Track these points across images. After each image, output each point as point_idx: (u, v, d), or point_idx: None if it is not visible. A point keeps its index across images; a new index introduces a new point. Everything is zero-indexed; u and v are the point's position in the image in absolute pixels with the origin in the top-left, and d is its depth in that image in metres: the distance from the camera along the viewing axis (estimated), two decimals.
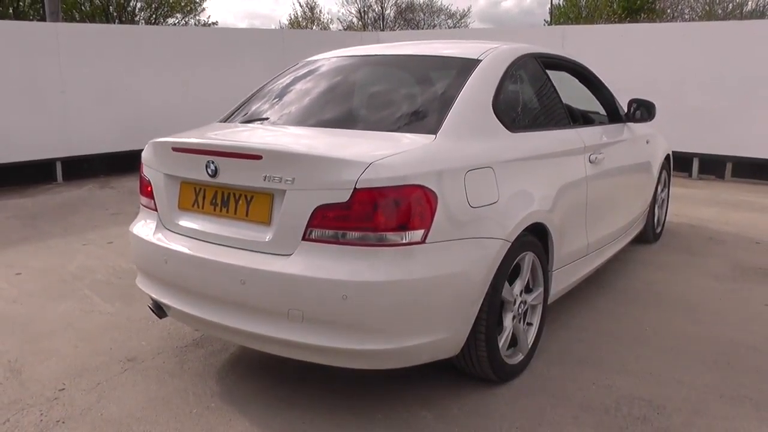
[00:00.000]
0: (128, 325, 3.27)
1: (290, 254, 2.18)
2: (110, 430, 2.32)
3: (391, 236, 2.08)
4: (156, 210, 2.64)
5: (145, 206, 2.75)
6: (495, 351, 2.47)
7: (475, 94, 2.61)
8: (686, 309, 3.49)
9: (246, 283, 2.21)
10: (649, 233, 4.63)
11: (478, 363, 2.47)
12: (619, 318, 3.36)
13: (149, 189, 2.69)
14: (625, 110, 3.93)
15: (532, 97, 3.16)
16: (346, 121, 2.75)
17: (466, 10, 41.62)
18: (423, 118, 2.57)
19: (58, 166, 7.64)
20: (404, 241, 2.10)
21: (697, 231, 5.20)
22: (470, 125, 2.52)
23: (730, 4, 31.40)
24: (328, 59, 3.28)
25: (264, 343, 2.31)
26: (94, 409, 2.46)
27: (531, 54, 3.12)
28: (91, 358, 2.90)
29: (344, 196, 2.07)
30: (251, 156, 2.24)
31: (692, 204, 6.21)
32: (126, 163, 7.96)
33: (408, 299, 2.13)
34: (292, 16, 38.93)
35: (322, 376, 2.64)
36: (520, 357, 2.67)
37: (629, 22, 27.39)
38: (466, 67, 2.75)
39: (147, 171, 2.70)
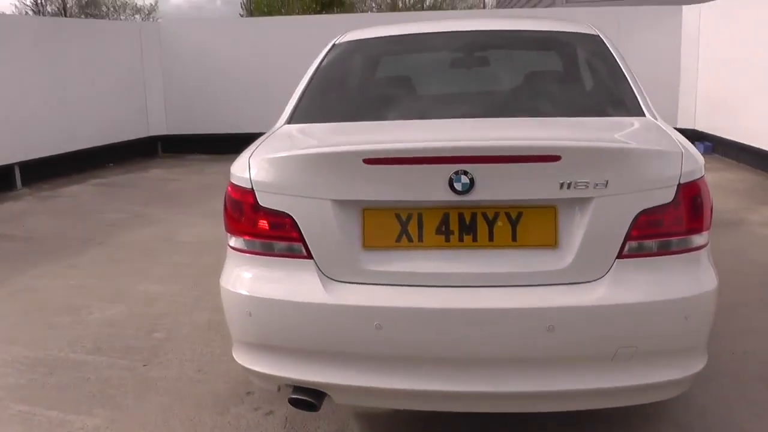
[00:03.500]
0: None
1: (597, 279, 1.79)
2: None
3: (705, 236, 1.85)
4: (309, 256, 1.90)
5: (264, 254, 1.94)
6: None
7: (628, 70, 2.41)
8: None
9: (556, 329, 1.74)
10: None
11: None
12: None
13: (265, 225, 1.90)
14: None
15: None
16: (539, 108, 2.36)
17: (154, 4, 39.34)
18: (614, 99, 2.34)
19: None
20: (708, 241, 1.89)
21: None
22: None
23: None
24: (411, 36, 2.75)
25: (563, 401, 1.86)
26: None
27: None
28: None
29: (668, 195, 1.76)
30: (544, 158, 1.74)
31: None
32: None
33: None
34: None
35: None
36: None
37: (325, 14, 29.08)
38: (594, 41, 2.55)
39: (276, 201, 1.89)
